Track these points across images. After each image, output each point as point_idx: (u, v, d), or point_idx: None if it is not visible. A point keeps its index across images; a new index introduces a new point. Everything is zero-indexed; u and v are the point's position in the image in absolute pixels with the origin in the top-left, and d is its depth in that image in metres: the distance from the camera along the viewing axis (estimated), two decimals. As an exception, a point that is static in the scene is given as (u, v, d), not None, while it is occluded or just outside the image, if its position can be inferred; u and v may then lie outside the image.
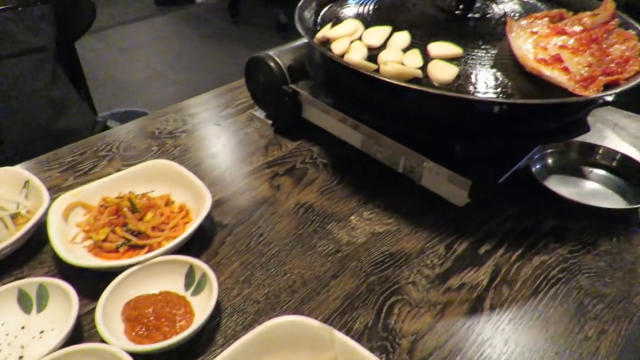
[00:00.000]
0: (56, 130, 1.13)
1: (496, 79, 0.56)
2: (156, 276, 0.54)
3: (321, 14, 0.72)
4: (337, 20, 0.68)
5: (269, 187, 0.72)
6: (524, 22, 0.65)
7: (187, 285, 0.54)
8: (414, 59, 0.58)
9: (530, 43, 0.60)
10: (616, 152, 0.72)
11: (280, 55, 0.77)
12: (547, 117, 0.59)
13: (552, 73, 0.55)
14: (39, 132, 1.11)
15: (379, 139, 0.68)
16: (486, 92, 0.54)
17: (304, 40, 0.75)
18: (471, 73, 0.56)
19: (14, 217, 0.61)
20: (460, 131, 0.60)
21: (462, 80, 0.56)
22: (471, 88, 0.55)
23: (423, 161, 0.64)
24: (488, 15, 0.67)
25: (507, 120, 0.59)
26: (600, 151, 0.73)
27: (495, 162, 0.63)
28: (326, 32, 0.64)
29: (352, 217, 0.66)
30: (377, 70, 0.57)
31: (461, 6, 0.68)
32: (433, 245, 0.62)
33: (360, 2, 0.73)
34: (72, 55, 1.33)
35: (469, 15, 0.67)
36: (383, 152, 0.70)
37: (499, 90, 0.55)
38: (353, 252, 0.61)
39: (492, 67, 0.58)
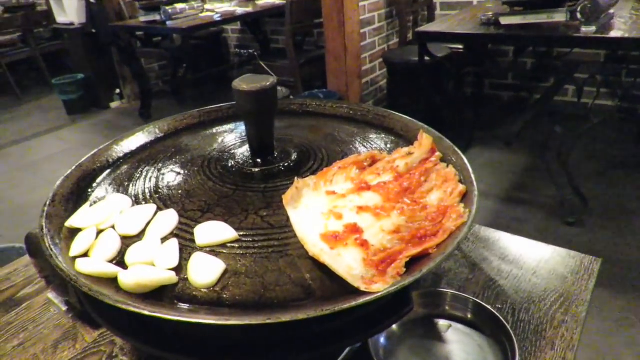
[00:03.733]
0: None
1: (278, 272, 0.42)
2: None
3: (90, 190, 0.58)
4: (98, 198, 0.54)
5: (35, 419, 0.53)
6: (329, 174, 0.54)
7: None
8: (170, 254, 0.44)
9: (324, 209, 0.48)
10: (467, 300, 0.59)
11: (59, 231, 0.62)
12: (354, 311, 0.45)
13: (334, 261, 0.42)
14: None
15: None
16: (258, 301, 0.41)
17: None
18: (243, 268, 0.43)
19: None
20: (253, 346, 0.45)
21: (228, 281, 0.42)
22: (239, 291, 0.41)
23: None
24: (284, 169, 0.56)
25: (301, 329, 0.44)
26: (449, 299, 0.60)
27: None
28: (73, 219, 0.50)
29: None
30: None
31: (258, 160, 0.57)
32: None
33: (141, 171, 0.60)
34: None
35: (265, 171, 0.55)
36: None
37: (280, 290, 0.41)
38: None
39: (277, 253, 0.44)
